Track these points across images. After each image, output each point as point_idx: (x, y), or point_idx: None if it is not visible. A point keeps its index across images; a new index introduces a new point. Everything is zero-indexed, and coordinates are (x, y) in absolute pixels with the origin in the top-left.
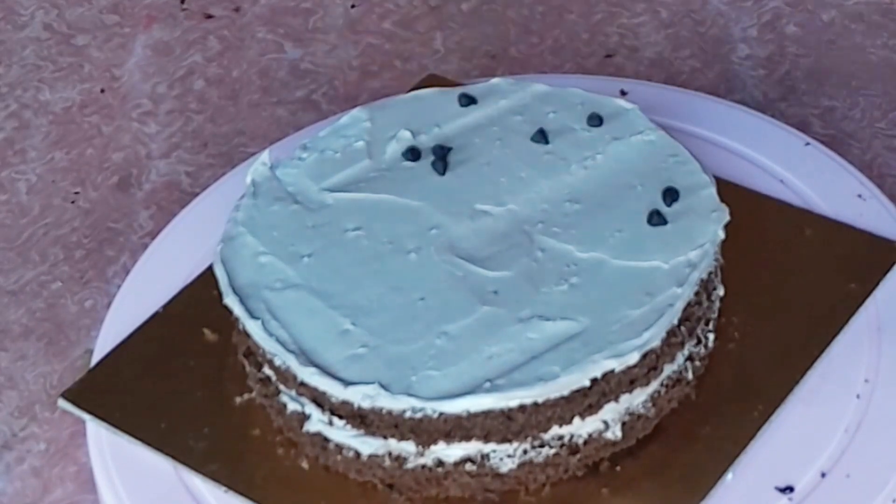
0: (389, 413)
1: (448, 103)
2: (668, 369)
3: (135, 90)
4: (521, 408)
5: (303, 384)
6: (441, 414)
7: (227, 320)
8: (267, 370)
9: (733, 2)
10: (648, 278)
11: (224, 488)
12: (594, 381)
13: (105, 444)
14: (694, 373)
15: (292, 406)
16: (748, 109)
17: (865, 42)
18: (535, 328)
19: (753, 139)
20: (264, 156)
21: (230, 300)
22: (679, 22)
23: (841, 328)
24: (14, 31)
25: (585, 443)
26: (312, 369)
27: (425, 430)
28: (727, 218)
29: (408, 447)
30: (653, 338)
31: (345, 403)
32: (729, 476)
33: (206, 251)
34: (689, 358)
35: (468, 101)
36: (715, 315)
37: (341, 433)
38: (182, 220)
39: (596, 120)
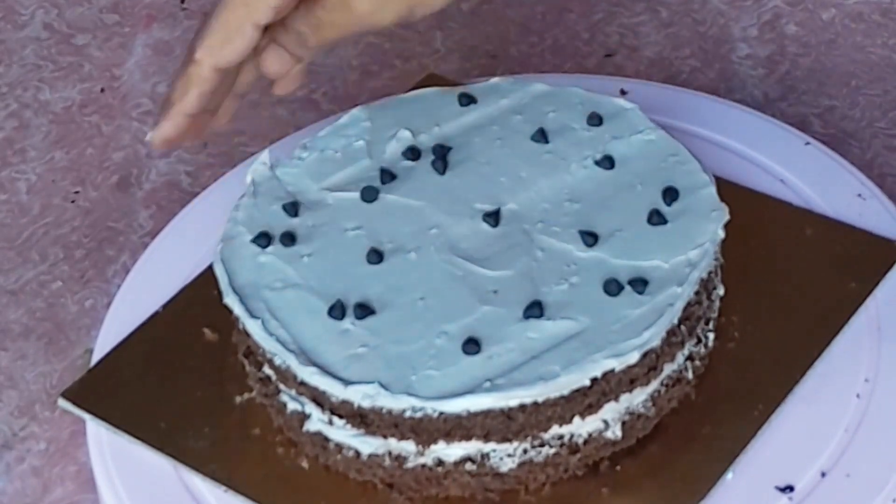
0: (389, 412)
1: (448, 103)
2: (668, 369)
3: (135, 90)
4: (521, 407)
5: (303, 384)
6: (441, 413)
7: (227, 320)
8: (267, 370)
9: (733, 1)
10: (648, 278)
11: (224, 488)
12: (594, 380)
13: (105, 443)
14: (694, 372)
15: (292, 405)
16: (748, 109)
17: (865, 42)
18: (535, 328)
19: (753, 139)
20: (264, 155)
21: (230, 300)
22: (679, 21)
23: (841, 328)
24: (14, 30)
25: (585, 442)
26: (312, 369)
27: (425, 430)
28: (727, 217)
29: (408, 447)
30: (653, 337)
31: (345, 403)
32: (729, 476)
33: (206, 251)
34: (689, 357)
35: (468, 100)
36: (715, 314)
37: (341, 433)
38: (182, 219)
39: (596, 119)
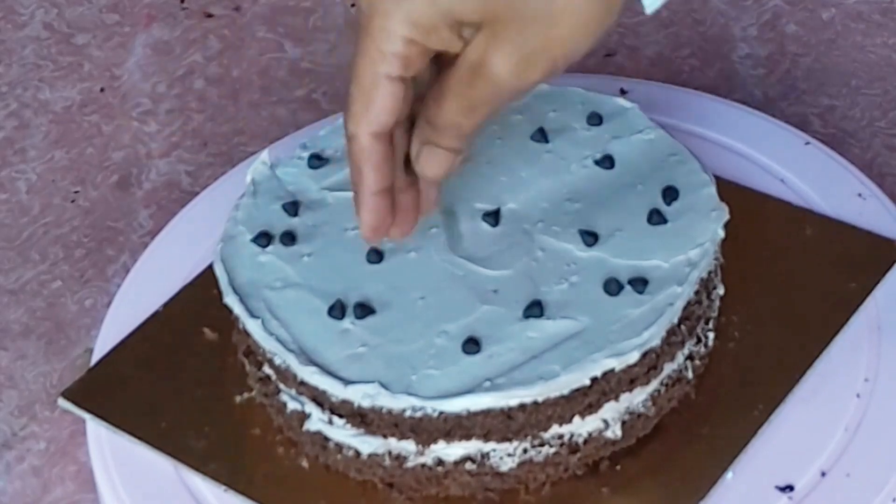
0: (389, 412)
1: None
2: (669, 368)
3: (135, 89)
4: (521, 407)
5: (303, 383)
6: (441, 413)
7: (226, 320)
8: (267, 369)
9: (733, 1)
10: (648, 277)
11: (224, 488)
12: (594, 380)
13: (105, 443)
14: (694, 372)
15: (292, 405)
16: (748, 108)
17: (865, 41)
18: (535, 327)
19: (753, 138)
20: (264, 155)
21: (230, 299)
22: (679, 21)
23: (841, 328)
24: (14, 30)
25: (585, 442)
26: (312, 368)
27: (425, 429)
28: (727, 217)
29: (408, 446)
30: (653, 337)
31: (345, 402)
32: (729, 475)
33: (206, 250)
34: (689, 357)
35: None
36: (715, 314)
37: (341, 432)
38: (182, 219)
39: (596, 119)
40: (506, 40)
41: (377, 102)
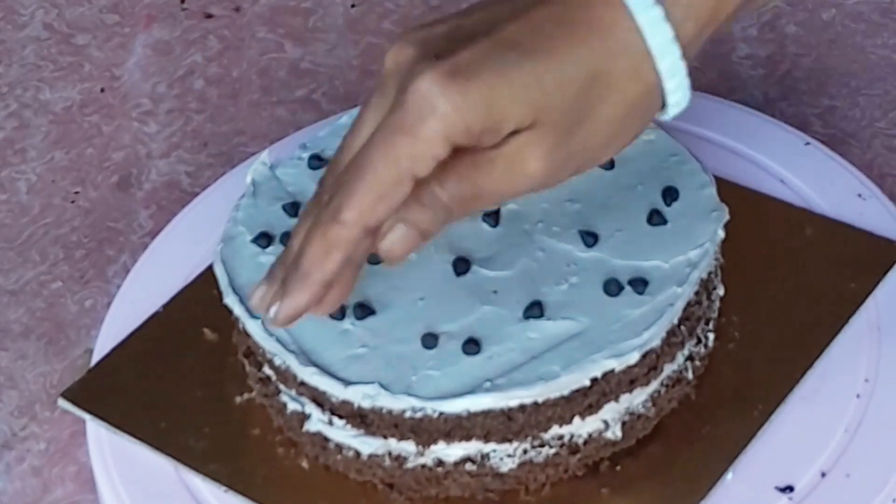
0: (389, 413)
1: None
2: (669, 369)
3: (135, 90)
4: (521, 407)
5: (303, 384)
6: (441, 413)
7: (227, 320)
8: (267, 370)
9: None
10: (648, 278)
11: (224, 488)
12: (594, 380)
13: (105, 443)
14: (694, 372)
15: (292, 406)
16: (748, 109)
17: (865, 42)
18: (536, 328)
19: (753, 139)
20: (264, 155)
21: (230, 300)
22: None
23: (841, 328)
24: (14, 30)
25: (585, 442)
26: (312, 369)
27: (425, 430)
28: (727, 217)
29: (408, 447)
30: (653, 337)
31: (345, 403)
32: (729, 476)
33: (206, 251)
34: (690, 357)
35: None
36: (715, 315)
37: (341, 433)
38: (182, 219)
39: None
40: (547, 142)
41: (391, 202)
